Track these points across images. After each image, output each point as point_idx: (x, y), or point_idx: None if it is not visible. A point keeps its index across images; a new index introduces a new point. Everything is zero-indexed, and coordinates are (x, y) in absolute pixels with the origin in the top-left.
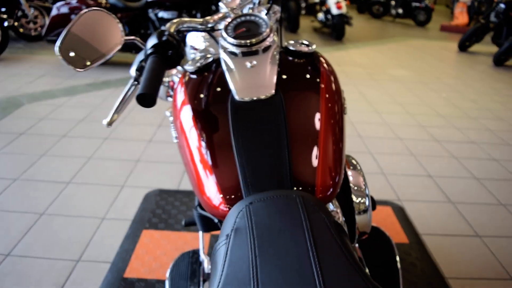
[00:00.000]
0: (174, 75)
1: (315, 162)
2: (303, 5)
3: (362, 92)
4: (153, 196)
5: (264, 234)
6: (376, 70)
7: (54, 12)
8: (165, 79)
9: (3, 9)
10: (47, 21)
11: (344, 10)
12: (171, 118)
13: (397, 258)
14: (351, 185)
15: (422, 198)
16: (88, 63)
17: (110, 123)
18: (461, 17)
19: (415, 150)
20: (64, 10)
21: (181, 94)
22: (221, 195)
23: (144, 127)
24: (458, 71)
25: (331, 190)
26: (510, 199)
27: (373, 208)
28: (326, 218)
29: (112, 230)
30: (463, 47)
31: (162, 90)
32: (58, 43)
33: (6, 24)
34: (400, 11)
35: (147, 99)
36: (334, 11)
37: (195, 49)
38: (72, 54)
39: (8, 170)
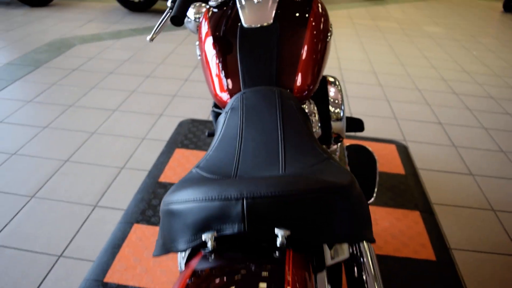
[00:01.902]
0: (203, 13)
1: (295, 71)
2: None
3: (391, 46)
4: (186, 124)
5: (250, 111)
6: (410, 26)
7: None
8: (196, 16)
9: None
10: None
11: None
12: (197, 43)
13: (377, 173)
14: (330, 98)
15: (426, 140)
16: None
17: (151, 39)
18: None
19: (431, 100)
20: None
21: (204, 23)
22: (227, 91)
23: (181, 68)
24: (496, 31)
25: (305, 92)
26: None
27: (361, 129)
28: (294, 105)
29: (150, 148)
30: (508, 7)
31: (193, 25)
32: None
33: None
34: None
35: (177, 19)
36: None
37: None
38: None
39: (64, 98)
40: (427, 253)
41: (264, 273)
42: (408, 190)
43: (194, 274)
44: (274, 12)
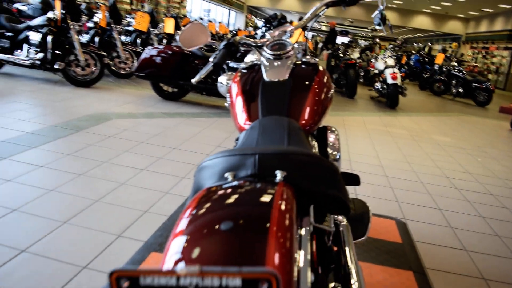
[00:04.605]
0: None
1: (302, 110)
2: (362, 73)
3: (400, 148)
4: None
5: (265, 128)
6: (419, 134)
7: (144, 55)
8: (228, 82)
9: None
10: (136, 62)
11: (398, 81)
12: (228, 96)
13: (370, 216)
14: (329, 142)
15: (424, 220)
16: (191, 46)
17: (196, 81)
18: None
19: (432, 191)
20: (153, 53)
21: (235, 80)
22: (249, 121)
23: (205, 145)
24: (502, 144)
25: (308, 127)
26: (507, 234)
27: (358, 184)
28: (298, 128)
29: (172, 200)
30: None
31: (225, 88)
32: (179, 35)
33: (105, 61)
34: (461, 90)
35: (219, 65)
36: (389, 81)
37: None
38: (184, 41)
39: (100, 156)
40: None
41: (263, 189)
42: (403, 255)
43: (211, 187)
44: (289, 72)
